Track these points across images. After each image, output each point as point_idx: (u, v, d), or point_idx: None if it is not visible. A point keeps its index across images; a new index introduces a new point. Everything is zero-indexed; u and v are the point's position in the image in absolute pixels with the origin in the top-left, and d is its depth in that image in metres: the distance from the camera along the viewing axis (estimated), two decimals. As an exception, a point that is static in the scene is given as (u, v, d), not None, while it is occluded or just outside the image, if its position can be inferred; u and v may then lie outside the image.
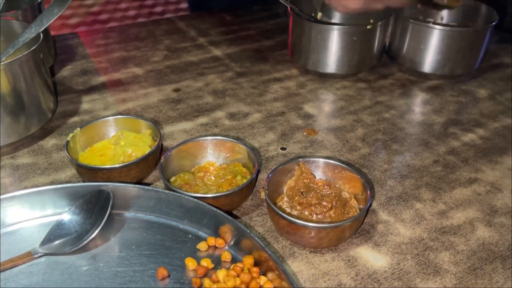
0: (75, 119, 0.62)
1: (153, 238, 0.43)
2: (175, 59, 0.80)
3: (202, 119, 0.63)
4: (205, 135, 0.55)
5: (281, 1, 0.72)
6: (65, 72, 0.74)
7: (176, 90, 0.70)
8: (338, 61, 0.71)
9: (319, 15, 0.80)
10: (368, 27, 0.68)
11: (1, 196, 0.42)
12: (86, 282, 0.39)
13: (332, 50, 0.70)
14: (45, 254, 0.41)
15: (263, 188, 0.45)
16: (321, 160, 0.48)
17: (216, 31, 0.91)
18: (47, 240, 0.42)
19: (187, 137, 0.59)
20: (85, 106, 0.65)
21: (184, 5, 3.21)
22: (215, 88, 0.71)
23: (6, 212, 0.43)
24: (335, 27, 0.69)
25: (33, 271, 0.40)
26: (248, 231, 0.40)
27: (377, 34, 0.71)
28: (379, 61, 0.76)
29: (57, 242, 0.42)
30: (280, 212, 0.42)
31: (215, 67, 0.77)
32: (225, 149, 0.51)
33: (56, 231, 0.43)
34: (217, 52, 0.82)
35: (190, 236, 0.44)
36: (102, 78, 0.73)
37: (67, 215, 0.43)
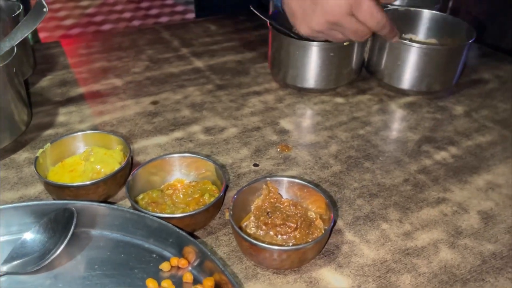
0: (49, 131, 0.62)
1: (117, 258, 0.44)
2: (156, 70, 0.80)
3: (178, 133, 0.63)
4: (173, 153, 0.55)
5: (260, 16, 0.72)
6: (43, 82, 0.74)
7: (154, 102, 0.70)
8: (316, 76, 0.72)
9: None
10: (345, 43, 0.69)
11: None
12: (45, 303, 0.39)
13: (311, 66, 0.71)
14: (6, 273, 0.41)
15: (227, 208, 0.45)
16: (289, 179, 0.49)
17: (200, 42, 0.91)
18: (10, 259, 0.42)
19: (160, 152, 0.59)
20: (61, 118, 0.65)
21: (180, 8, 3.22)
22: (193, 101, 0.71)
23: (-31, 230, 0.43)
24: (313, 43, 0.69)
25: (-7, 290, 0.40)
26: (209, 253, 0.40)
27: (355, 49, 0.71)
28: (358, 75, 0.76)
29: (19, 261, 0.42)
30: (242, 234, 0.42)
31: (195, 79, 0.77)
32: (194, 167, 0.51)
33: (19, 250, 0.43)
34: (199, 63, 0.83)
35: (154, 255, 0.44)
36: (81, 89, 0.73)
37: (30, 234, 0.43)
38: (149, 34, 0.94)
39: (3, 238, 0.44)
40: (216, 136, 0.63)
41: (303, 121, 0.67)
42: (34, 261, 0.42)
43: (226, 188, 0.48)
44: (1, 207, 0.43)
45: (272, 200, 0.48)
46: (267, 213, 0.46)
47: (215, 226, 0.48)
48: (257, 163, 0.58)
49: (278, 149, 0.61)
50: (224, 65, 0.83)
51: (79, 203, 0.44)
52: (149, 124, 0.65)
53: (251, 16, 1.03)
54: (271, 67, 0.77)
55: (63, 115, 0.66)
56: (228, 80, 0.78)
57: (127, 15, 3.13)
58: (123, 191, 0.52)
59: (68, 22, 2.92)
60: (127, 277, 0.42)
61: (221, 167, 0.50)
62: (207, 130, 0.64)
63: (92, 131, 0.54)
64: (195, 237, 0.46)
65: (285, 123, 0.66)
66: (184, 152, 0.58)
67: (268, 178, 0.48)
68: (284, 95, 0.73)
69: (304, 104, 0.71)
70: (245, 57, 0.86)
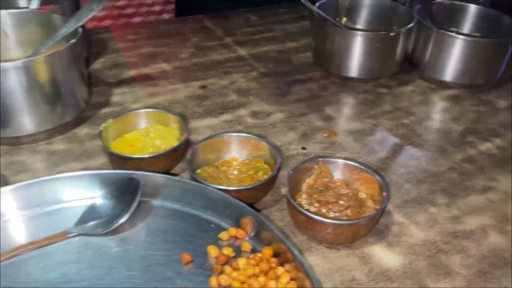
0: (106, 110, 0.65)
1: (178, 226, 0.46)
2: (201, 57, 0.82)
3: (226, 116, 0.66)
4: (230, 132, 0.57)
5: (307, 5, 0.74)
6: (97, 64, 0.77)
7: (202, 87, 0.73)
8: (360, 66, 0.73)
9: (344, 20, 0.82)
10: (391, 34, 0.70)
11: (42, 178, 0.46)
12: (116, 263, 0.42)
13: (355, 55, 0.72)
14: (79, 234, 0.44)
15: (283, 184, 0.47)
16: (341, 160, 0.50)
17: (242, 31, 0.93)
18: (81, 221, 0.45)
19: (211, 132, 0.62)
20: (115, 98, 0.68)
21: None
22: (239, 87, 0.73)
23: (45, 194, 0.46)
24: (359, 33, 0.71)
25: (67, 249, 0.43)
26: (269, 223, 0.43)
27: (400, 41, 0.72)
28: (401, 68, 0.77)
29: (90, 223, 0.45)
30: (300, 208, 0.44)
31: (239, 67, 0.80)
32: (248, 146, 0.54)
33: (89, 214, 0.46)
34: (242, 52, 0.85)
35: (213, 225, 0.47)
36: (131, 72, 0.76)
37: (99, 199, 0.46)
38: (192, 23, 0.96)
39: (74, 203, 0.47)
40: (263, 120, 0.65)
41: (347, 109, 0.69)
42: (103, 224, 0.45)
43: (280, 167, 0.50)
44: (77, 173, 0.46)
45: (324, 180, 0.49)
46: (320, 191, 0.48)
47: (268, 202, 0.50)
48: (304, 146, 0.60)
49: (325, 135, 0.62)
50: (267, 54, 0.85)
51: (143, 174, 0.47)
52: (199, 106, 0.68)
53: (291, 9, 1.05)
54: (315, 56, 0.79)
55: (117, 95, 0.69)
56: (272, 68, 0.80)
57: (156, 8, 3.19)
58: (179, 167, 0.55)
59: (100, 14, 2.99)
60: (189, 243, 0.44)
61: (274, 147, 0.52)
62: (254, 114, 0.66)
63: (152, 109, 0.57)
64: (255, 209, 0.48)
65: (330, 110, 0.68)
66: (239, 132, 0.59)
67: (320, 159, 0.50)
68: (328, 84, 0.75)
69: (348, 93, 0.73)
70: (287, 47, 0.88)
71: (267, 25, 0.97)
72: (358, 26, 0.82)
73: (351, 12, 0.82)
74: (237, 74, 0.77)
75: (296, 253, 0.40)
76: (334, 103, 0.70)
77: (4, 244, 0.43)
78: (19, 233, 0.44)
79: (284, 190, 0.46)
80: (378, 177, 0.48)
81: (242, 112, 0.67)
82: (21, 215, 0.46)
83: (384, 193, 0.46)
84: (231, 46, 0.87)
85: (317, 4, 0.76)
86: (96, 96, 0.68)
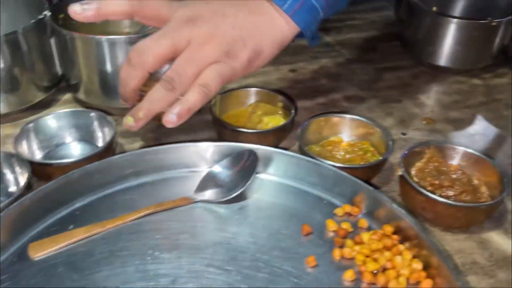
0: (203, 88, 0.67)
1: (290, 200, 0.47)
2: (287, 41, 0.83)
3: (321, 99, 0.66)
4: (337, 112, 0.57)
5: (403, -8, 0.73)
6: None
7: (292, 70, 0.74)
8: (453, 55, 0.71)
9: (434, 9, 0.81)
10: (492, 23, 0.68)
11: (165, 146, 0.48)
12: (239, 229, 0.43)
13: (449, 44, 0.71)
14: (201, 201, 0.46)
15: (398, 165, 0.47)
16: (453, 146, 0.50)
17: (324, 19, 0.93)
18: (200, 188, 0.47)
19: (308, 114, 0.62)
20: (211, 77, 0.70)
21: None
22: (329, 72, 0.74)
23: (165, 160, 0.49)
24: (456, 20, 0.69)
25: (189, 214, 0.45)
26: (391, 201, 0.43)
27: (500, 31, 0.70)
28: (495, 60, 0.75)
29: (209, 191, 0.47)
30: (420, 188, 0.44)
31: (327, 52, 0.80)
32: (355, 127, 0.54)
33: (206, 182, 0.47)
34: (327, 38, 0.85)
35: (325, 202, 0.47)
36: (222, 54, 0.77)
37: (218, 168, 0.48)
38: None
39: (192, 171, 0.49)
40: (358, 104, 0.65)
41: (442, 98, 0.68)
42: (222, 192, 0.46)
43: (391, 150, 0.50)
44: (198, 144, 0.48)
45: (436, 164, 0.49)
46: (434, 174, 0.48)
47: (377, 184, 0.51)
48: (404, 132, 0.60)
49: (424, 122, 0.62)
50: (351, 41, 0.84)
51: (258, 147, 0.48)
52: (292, 89, 0.68)
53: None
54: (404, 44, 0.78)
55: (212, 74, 0.71)
56: (359, 55, 0.79)
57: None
58: (283, 144, 0.56)
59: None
60: (305, 217, 0.45)
61: (385, 130, 0.52)
62: (348, 99, 0.67)
63: (258, 88, 0.58)
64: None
65: (424, 98, 0.67)
66: (350, 112, 0.59)
67: (432, 143, 0.50)
68: (418, 73, 0.74)
69: (440, 82, 0.72)
70: (370, 35, 0.87)
71: (348, 13, 0.97)
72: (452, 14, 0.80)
73: (443, 1, 0.80)
74: (325, 59, 0.77)
75: (420, 228, 0.40)
76: (428, 91, 0.69)
77: (129, 207, 0.45)
78: (141, 196, 0.47)
79: (400, 170, 0.47)
80: (494, 164, 0.47)
81: (336, 96, 0.67)
82: (143, 180, 0.48)
83: (504, 180, 0.45)
84: (314, 32, 0.87)
85: (411, -10, 0.75)
86: (193, 74, 0.70)
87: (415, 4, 0.72)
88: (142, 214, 0.44)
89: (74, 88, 0.61)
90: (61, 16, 0.58)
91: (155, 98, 0.42)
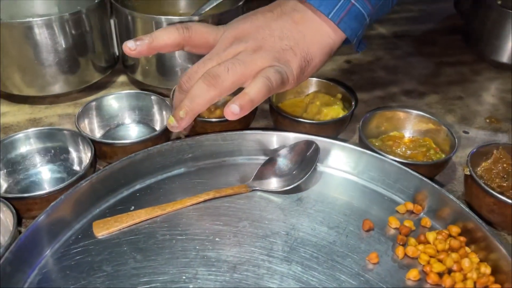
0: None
1: (350, 194, 0.46)
2: (341, 31, 0.81)
3: (378, 92, 0.64)
4: (402, 107, 0.55)
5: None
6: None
7: (348, 61, 0.72)
8: (520, 52, 0.68)
9: (499, 1, 0.77)
10: None
11: (224, 133, 0.48)
12: (298, 220, 0.43)
13: (516, 40, 0.67)
14: (259, 190, 0.46)
15: (465, 164, 0.45)
16: (524, 147, 0.47)
17: (379, 9, 0.90)
18: (258, 177, 0.46)
19: (366, 107, 0.61)
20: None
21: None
22: (386, 64, 0.72)
23: (223, 147, 0.48)
24: (527, 15, 0.66)
25: (248, 202, 0.45)
26: (459, 201, 0.41)
27: None
28: None
29: (268, 180, 0.46)
30: (490, 190, 0.42)
31: (382, 44, 0.77)
32: (417, 123, 0.52)
33: (265, 171, 0.47)
34: (382, 30, 0.83)
35: (386, 198, 0.46)
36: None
37: (277, 157, 0.47)
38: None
39: (249, 158, 0.49)
40: (417, 99, 0.63)
41: (506, 97, 0.65)
42: (280, 182, 0.46)
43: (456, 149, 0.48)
44: (254, 131, 0.48)
45: (504, 165, 0.47)
46: (503, 176, 0.46)
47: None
48: (466, 130, 0.57)
49: (487, 120, 0.59)
50: (409, 34, 0.82)
51: (318, 138, 0.48)
52: (348, 80, 0.67)
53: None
54: (466, 38, 0.74)
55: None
56: (416, 48, 0.77)
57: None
58: (341, 136, 0.55)
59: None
60: (366, 212, 0.44)
61: (450, 128, 0.50)
62: (407, 93, 0.64)
63: (317, 78, 0.57)
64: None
65: (487, 96, 0.64)
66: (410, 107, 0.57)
67: (500, 143, 0.48)
68: (481, 69, 0.71)
69: (505, 80, 0.68)
70: (428, 28, 0.84)
71: (403, 5, 0.94)
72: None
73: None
74: (381, 51, 0.75)
75: (489, 230, 0.38)
76: (491, 89, 0.66)
77: (187, 191, 0.45)
78: (199, 181, 0.47)
79: (466, 170, 0.45)
80: None
81: (394, 89, 0.65)
82: (201, 165, 0.48)
83: None
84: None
85: (479, -17, 0.72)
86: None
87: (482, -3, 0.69)
88: (201, 199, 0.44)
89: (131, 69, 0.62)
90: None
91: (195, 94, 0.41)
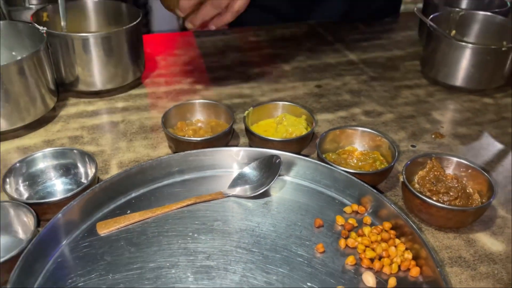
0: (238, 100, 0.77)
1: (307, 198, 0.56)
2: (316, 59, 0.92)
3: (342, 113, 0.75)
4: (354, 126, 0.65)
5: (421, 17, 0.81)
6: (227, 61, 0.90)
7: (318, 86, 0.83)
8: (468, 77, 0.78)
9: (453, 32, 0.88)
10: (503, 48, 0.75)
11: (205, 150, 0.58)
12: (263, 219, 0.53)
13: (464, 66, 0.78)
14: (232, 196, 0.56)
15: (400, 173, 0.55)
16: (452, 158, 0.57)
17: (351, 38, 1.01)
18: (232, 185, 0.57)
19: (329, 126, 0.71)
20: (246, 91, 0.80)
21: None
22: (351, 88, 0.82)
23: (204, 161, 0.59)
24: (471, 46, 0.76)
25: (223, 205, 0.55)
26: (390, 202, 0.51)
27: (511, 56, 0.77)
28: (507, 81, 0.81)
29: (239, 187, 0.56)
30: (416, 192, 0.52)
31: (350, 70, 0.88)
32: (367, 139, 0.62)
33: (238, 180, 0.57)
34: (352, 56, 0.93)
35: (336, 201, 0.56)
36: (256, 70, 0.87)
37: (247, 169, 0.57)
38: (305, 29, 1.07)
39: (224, 171, 0.59)
40: (375, 118, 0.73)
41: (453, 115, 0.75)
42: (250, 189, 0.56)
43: (397, 159, 0.58)
44: (231, 148, 0.58)
45: (436, 173, 0.57)
46: (432, 182, 0.55)
47: (382, 188, 0.59)
48: (414, 144, 0.67)
49: (433, 136, 0.69)
50: (375, 60, 0.92)
51: (281, 153, 0.58)
52: (317, 103, 0.77)
53: (397, 19, 1.12)
54: (423, 64, 0.85)
55: (247, 88, 0.81)
56: (380, 73, 0.87)
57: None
58: (304, 151, 0.65)
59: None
60: (319, 213, 0.54)
61: (392, 142, 0.60)
62: (367, 113, 0.75)
63: (284, 102, 0.67)
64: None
65: (437, 115, 0.74)
66: (363, 126, 0.66)
67: (433, 154, 0.58)
68: (434, 91, 0.81)
69: (454, 100, 0.79)
70: (394, 55, 0.95)
71: (375, 33, 1.05)
72: (466, 39, 0.86)
73: (461, 25, 0.87)
74: (348, 76, 0.86)
75: (413, 226, 0.48)
76: (441, 108, 0.76)
77: (174, 198, 0.55)
78: (184, 190, 0.57)
79: (401, 178, 0.55)
80: (486, 175, 0.54)
81: (356, 110, 0.76)
82: (186, 177, 0.58)
83: (493, 189, 0.52)
84: (341, 51, 0.96)
85: (430, 16, 0.83)
86: (229, 88, 0.81)
87: (435, 28, 0.80)
88: (184, 204, 0.54)
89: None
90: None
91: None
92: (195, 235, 0.51)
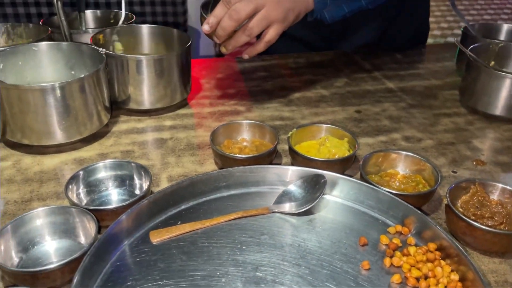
0: (279, 122, 0.80)
1: (351, 218, 0.57)
2: (354, 86, 0.95)
3: (382, 138, 0.76)
4: (397, 149, 0.67)
5: (461, 48, 0.83)
6: (268, 86, 0.94)
7: (358, 111, 0.85)
8: (507, 106, 0.79)
9: (492, 63, 0.89)
10: (540, 78, 0.76)
11: (252, 167, 0.61)
12: (308, 236, 0.54)
13: (504, 95, 0.79)
14: (277, 212, 0.58)
15: (445, 196, 0.56)
16: (496, 183, 0.58)
17: (389, 67, 1.04)
18: (277, 202, 0.59)
19: (370, 149, 0.73)
20: (286, 114, 0.83)
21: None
22: (390, 114, 0.84)
23: (250, 178, 0.61)
24: (510, 75, 0.77)
25: (268, 221, 0.57)
26: (435, 224, 0.52)
27: (552, 86, 0.77)
28: (549, 111, 0.81)
29: (284, 204, 0.58)
30: (462, 215, 0.53)
31: (389, 97, 0.90)
32: (410, 163, 0.63)
33: (283, 197, 0.59)
34: (390, 84, 0.96)
35: (380, 222, 0.57)
36: (297, 94, 0.91)
37: (293, 187, 0.60)
38: (343, 56, 1.10)
39: (268, 188, 0.61)
40: (415, 144, 0.75)
41: (494, 143, 0.76)
42: (295, 206, 0.58)
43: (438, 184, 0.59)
44: (277, 166, 0.61)
45: (480, 198, 0.57)
46: (477, 207, 0.56)
47: (426, 211, 0.60)
48: (455, 170, 0.68)
49: (473, 163, 0.70)
50: (413, 88, 0.94)
51: (326, 173, 0.60)
52: (356, 127, 0.79)
53: (434, 49, 1.14)
54: (462, 93, 0.86)
55: (287, 112, 0.84)
56: (419, 101, 0.89)
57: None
58: (346, 173, 0.66)
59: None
60: (363, 232, 0.55)
61: (435, 167, 0.61)
62: (407, 139, 0.76)
63: (328, 125, 0.70)
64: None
65: (477, 143, 0.75)
66: (407, 151, 0.68)
67: (477, 180, 0.58)
68: (473, 120, 0.82)
69: (493, 129, 0.79)
70: (432, 84, 0.96)
71: (412, 63, 1.07)
72: (505, 70, 0.88)
73: (500, 56, 0.89)
74: (387, 103, 0.88)
75: (460, 247, 0.48)
76: (481, 137, 0.77)
77: (221, 211, 0.58)
78: (231, 204, 0.59)
79: (445, 200, 0.55)
80: (532, 201, 0.54)
81: (395, 135, 0.77)
82: (233, 192, 0.61)
83: (538, 215, 0.53)
84: (379, 79, 0.98)
85: (470, 47, 0.84)
86: (270, 111, 0.84)
87: (474, 58, 0.82)
88: (232, 217, 0.56)
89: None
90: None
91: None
92: (243, 247, 0.53)
